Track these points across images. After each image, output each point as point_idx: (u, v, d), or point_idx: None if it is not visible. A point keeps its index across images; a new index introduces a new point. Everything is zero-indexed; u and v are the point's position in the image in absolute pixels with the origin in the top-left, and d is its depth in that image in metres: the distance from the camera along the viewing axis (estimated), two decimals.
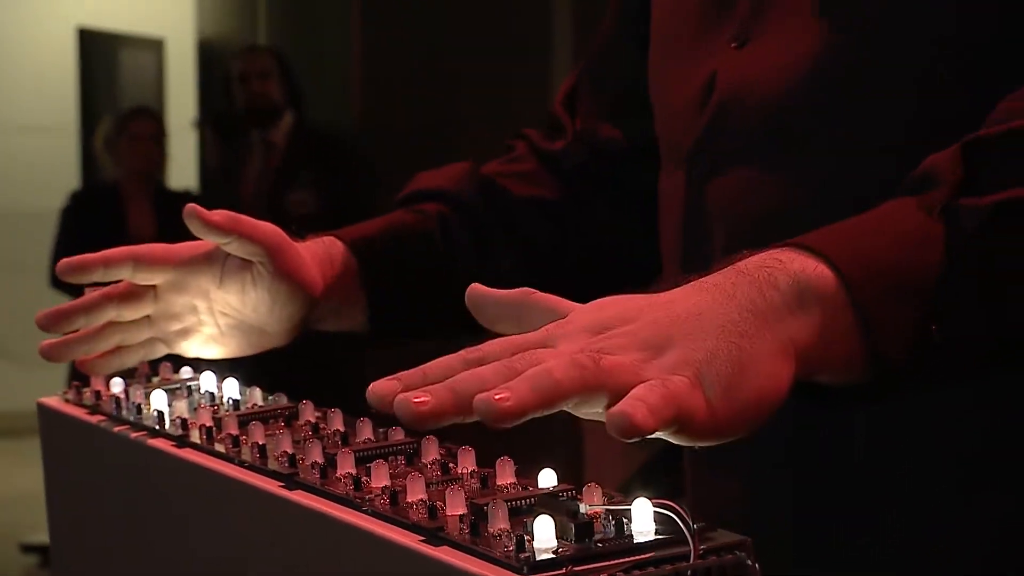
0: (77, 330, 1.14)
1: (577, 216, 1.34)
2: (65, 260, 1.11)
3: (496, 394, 0.69)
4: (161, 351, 1.17)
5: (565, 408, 0.73)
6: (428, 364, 0.75)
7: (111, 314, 1.14)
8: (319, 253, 1.20)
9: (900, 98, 1.02)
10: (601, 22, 1.40)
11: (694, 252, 1.14)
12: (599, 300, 0.81)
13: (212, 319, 1.16)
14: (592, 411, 0.74)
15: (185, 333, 1.17)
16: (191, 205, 1.09)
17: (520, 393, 0.69)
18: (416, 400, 0.70)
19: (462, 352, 0.76)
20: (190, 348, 1.17)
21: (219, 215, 1.10)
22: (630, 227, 1.31)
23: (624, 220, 1.33)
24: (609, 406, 0.71)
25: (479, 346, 0.77)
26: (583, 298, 1.48)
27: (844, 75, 1.03)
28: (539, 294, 0.84)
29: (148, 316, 1.16)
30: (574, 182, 1.35)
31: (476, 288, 0.86)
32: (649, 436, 0.72)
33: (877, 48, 1.02)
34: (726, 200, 1.11)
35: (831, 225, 0.85)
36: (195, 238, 1.13)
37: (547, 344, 0.76)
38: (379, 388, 0.73)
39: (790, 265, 0.81)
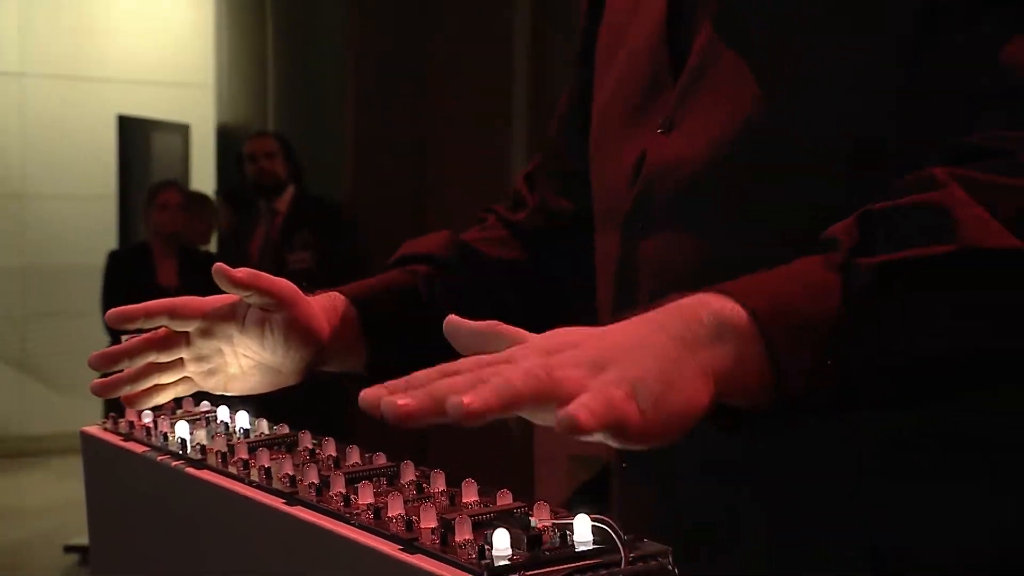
0: (123, 370, 1.13)
1: (538, 271, 1.35)
2: (112, 311, 1.10)
3: (465, 398, 0.69)
4: (192, 388, 1.16)
5: (521, 413, 0.73)
6: (410, 375, 0.75)
7: (151, 357, 1.12)
8: (325, 305, 1.19)
9: (797, 174, 1.02)
10: (552, 118, 1.42)
11: (625, 299, 1.14)
12: (552, 330, 0.81)
13: (235, 360, 1.15)
14: (542, 417, 0.73)
15: (212, 373, 1.15)
16: (218, 264, 1.08)
17: (485, 397, 0.69)
18: (400, 402, 0.70)
19: (439, 366, 0.76)
20: (216, 385, 1.16)
21: (242, 272, 1.09)
22: (580, 279, 1.30)
23: (575, 274, 1.32)
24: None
25: (454, 362, 0.76)
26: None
27: (748, 159, 1.04)
28: (503, 325, 0.83)
29: (181, 358, 1.14)
30: (535, 245, 1.36)
31: (452, 319, 0.85)
32: (588, 438, 0.72)
33: (776, 136, 1.03)
34: (654, 256, 1.11)
35: (748, 276, 0.85)
36: (217, 291, 1.12)
37: (509, 361, 0.75)
38: (368, 394, 0.73)
39: (712, 305, 0.82)
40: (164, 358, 1.13)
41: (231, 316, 1.13)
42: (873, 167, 0.98)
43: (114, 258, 5.85)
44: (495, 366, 0.74)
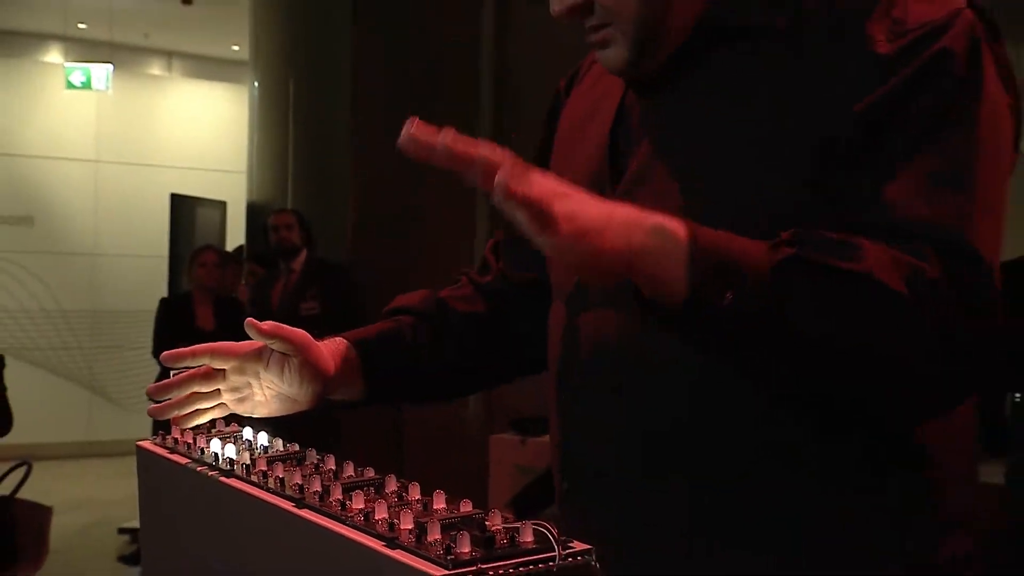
0: (172, 398, 1.13)
1: (499, 325, 1.33)
2: (167, 352, 1.11)
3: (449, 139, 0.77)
4: (226, 412, 1.15)
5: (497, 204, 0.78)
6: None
7: (195, 387, 1.12)
8: (331, 348, 1.19)
9: None
10: None
11: (568, 357, 1.14)
12: None
13: (261, 391, 1.15)
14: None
15: (243, 400, 1.15)
16: (250, 319, 1.08)
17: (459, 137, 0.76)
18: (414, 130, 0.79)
19: None
20: (246, 410, 1.15)
21: (267, 325, 1.09)
22: (533, 332, 1.26)
23: (527, 327, 1.28)
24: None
25: None
26: (507, 379, 1.43)
27: None
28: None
29: (219, 389, 1.14)
30: (498, 303, 1.33)
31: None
32: (536, 237, 0.77)
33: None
34: (591, 328, 1.10)
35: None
36: (245, 333, 1.12)
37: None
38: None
39: (663, 218, 0.86)
40: (205, 388, 1.13)
41: (258, 358, 1.14)
42: None
43: (164, 304, 5.80)
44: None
